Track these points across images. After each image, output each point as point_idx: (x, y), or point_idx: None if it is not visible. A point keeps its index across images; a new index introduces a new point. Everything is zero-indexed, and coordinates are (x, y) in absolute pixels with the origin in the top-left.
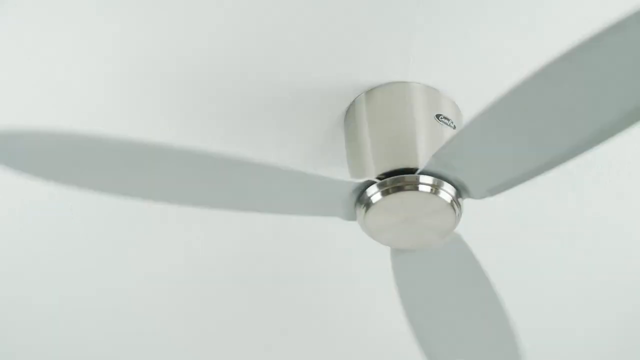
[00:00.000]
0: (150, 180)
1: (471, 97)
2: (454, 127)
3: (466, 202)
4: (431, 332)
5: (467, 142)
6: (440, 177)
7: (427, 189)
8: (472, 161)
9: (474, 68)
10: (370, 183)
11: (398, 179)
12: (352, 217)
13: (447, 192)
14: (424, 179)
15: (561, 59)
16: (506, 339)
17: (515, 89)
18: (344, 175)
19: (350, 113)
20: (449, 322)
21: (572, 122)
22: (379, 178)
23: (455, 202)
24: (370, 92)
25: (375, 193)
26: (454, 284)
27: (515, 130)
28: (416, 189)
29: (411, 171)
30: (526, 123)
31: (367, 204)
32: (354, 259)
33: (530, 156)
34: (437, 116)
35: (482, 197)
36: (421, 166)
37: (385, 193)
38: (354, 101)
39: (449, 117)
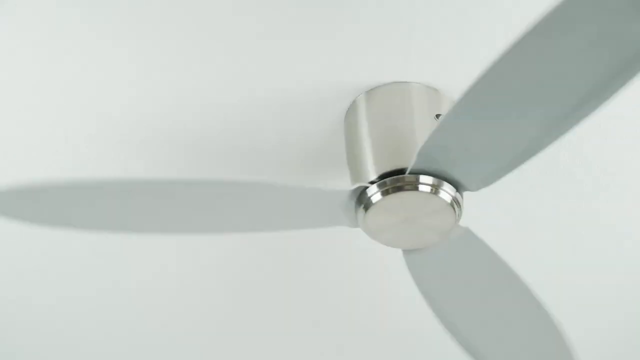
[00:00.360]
0: (142, 211)
1: None
2: None
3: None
4: (468, 329)
5: (447, 135)
6: (430, 174)
7: (427, 189)
8: (456, 153)
9: (474, 68)
10: (364, 187)
11: (398, 179)
12: (355, 224)
13: (447, 191)
14: (424, 179)
15: (527, 35)
16: (548, 333)
17: (486, 73)
18: (344, 177)
19: (350, 113)
20: (483, 319)
21: (548, 98)
22: (379, 178)
23: (455, 202)
24: (370, 92)
25: (375, 193)
26: (478, 278)
27: (493, 115)
28: (416, 189)
29: (401, 172)
30: (502, 106)
31: (367, 204)
32: (357, 256)
33: (512, 140)
34: (437, 116)
35: (477, 188)
36: (410, 166)
37: (385, 193)
38: (354, 101)
39: None
